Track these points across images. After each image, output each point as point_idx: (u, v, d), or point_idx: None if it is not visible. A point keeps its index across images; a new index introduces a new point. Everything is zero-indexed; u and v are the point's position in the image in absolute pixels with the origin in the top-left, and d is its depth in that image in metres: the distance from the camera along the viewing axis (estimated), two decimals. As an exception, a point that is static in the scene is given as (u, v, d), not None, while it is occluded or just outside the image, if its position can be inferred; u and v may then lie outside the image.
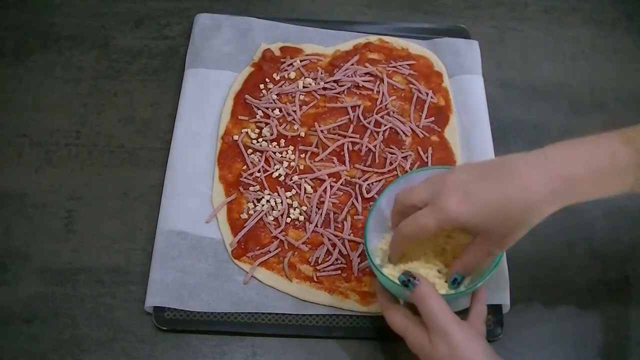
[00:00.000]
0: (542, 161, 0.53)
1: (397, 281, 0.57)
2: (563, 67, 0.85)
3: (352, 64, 0.82)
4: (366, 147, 0.76)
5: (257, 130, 0.77)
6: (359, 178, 0.74)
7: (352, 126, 0.77)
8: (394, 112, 0.78)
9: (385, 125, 0.77)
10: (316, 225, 0.71)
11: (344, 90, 0.80)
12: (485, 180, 0.53)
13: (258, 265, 0.68)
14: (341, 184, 0.73)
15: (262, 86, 0.81)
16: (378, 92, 0.80)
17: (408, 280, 0.56)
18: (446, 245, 0.62)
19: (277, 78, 0.81)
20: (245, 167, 0.75)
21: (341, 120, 0.78)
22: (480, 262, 0.58)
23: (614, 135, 0.53)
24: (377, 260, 0.62)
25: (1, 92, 0.81)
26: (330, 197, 0.72)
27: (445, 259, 0.61)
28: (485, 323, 0.59)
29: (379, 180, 0.74)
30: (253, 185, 0.73)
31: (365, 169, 0.74)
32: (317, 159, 0.75)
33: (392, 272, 0.61)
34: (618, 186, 0.53)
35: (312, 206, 0.72)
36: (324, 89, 0.80)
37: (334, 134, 0.77)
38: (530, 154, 0.54)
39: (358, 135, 0.77)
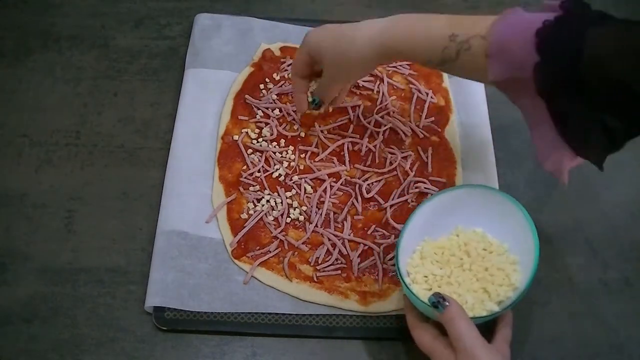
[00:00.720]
0: (380, 22, 0.65)
1: (427, 302, 0.58)
2: (563, 67, 0.85)
3: (352, 64, 0.82)
4: (366, 147, 0.76)
5: (257, 130, 0.77)
6: (359, 178, 0.74)
7: (352, 126, 0.77)
8: (394, 112, 0.78)
9: (385, 125, 0.77)
10: (316, 225, 0.71)
11: (344, 90, 0.80)
12: (339, 26, 0.67)
13: (258, 265, 0.68)
14: (341, 184, 0.73)
15: (262, 86, 0.81)
16: (378, 92, 0.80)
17: (438, 301, 0.57)
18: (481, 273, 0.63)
19: (277, 78, 0.81)
20: (245, 167, 0.75)
21: (341, 120, 0.78)
22: (328, 85, 0.69)
23: (444, 16, 0.61)
24: (407, 279, 0.62)
25: (1, 92, 0.81)
26: (330, 197, 0.72)
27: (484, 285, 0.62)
28: (510, 346, 0.59)
29: (379, 180, 0.74)
30: (253, 185, 0.73)
31: (365, 169, 0.74)
32: (317, 159, 0.75)
33: (419, 290, 0.61)
34: (428, 52, 0.61)
35: (312, 206, 0.72)
36: (324, 89, 0.80)
37: (334, 134, 0.77)
38: (381, 19, 0.65)
39: (358, 135, 0.77)
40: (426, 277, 0.63)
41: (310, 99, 0.72)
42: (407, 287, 0.60)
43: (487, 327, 0.59)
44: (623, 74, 0.50)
